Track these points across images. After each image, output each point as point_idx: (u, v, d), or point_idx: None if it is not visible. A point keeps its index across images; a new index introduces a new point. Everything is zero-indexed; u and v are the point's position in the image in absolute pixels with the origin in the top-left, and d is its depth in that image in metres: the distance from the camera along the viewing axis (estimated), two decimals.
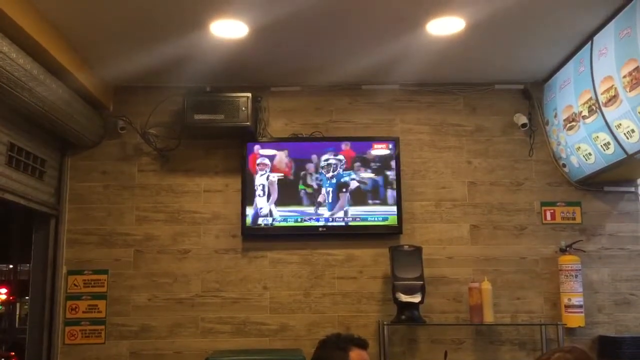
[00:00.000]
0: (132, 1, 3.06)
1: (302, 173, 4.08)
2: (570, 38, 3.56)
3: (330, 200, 4.05)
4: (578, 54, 3.63)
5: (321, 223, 4.03)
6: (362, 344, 2.36)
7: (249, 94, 3.96)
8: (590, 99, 3.47)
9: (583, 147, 3.74)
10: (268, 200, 4.05)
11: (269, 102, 4.26)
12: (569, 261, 3.97)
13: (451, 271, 4.09)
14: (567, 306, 3.93)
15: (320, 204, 4.05)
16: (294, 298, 4.06)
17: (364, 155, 4.11)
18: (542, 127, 4.26)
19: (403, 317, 3.74)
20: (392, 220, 4.04)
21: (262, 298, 4.06)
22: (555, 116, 4.03)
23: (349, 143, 4.13)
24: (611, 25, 3.20)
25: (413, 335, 4.02)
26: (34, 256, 4.08)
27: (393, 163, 4.10)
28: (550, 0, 3.11)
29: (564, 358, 1.72)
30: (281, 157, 4.11)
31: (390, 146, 4.13)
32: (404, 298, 3.71)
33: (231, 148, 4.18)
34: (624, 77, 3.06)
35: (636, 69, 2.95)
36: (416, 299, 3.71)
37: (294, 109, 4.28)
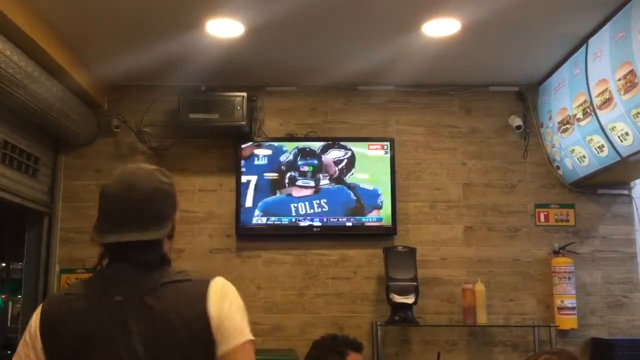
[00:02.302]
0: (127, 0, 3.06)
1: (299, 173, 4.09)
2: (565, 41, 3.58)
3: (325, 200, 4.06)
4: (573, 56, 3.65)
5: (315, 223, 4.03)
6: (357, 348, 2.37)
7: (244, 94, 3.95)
8: (585, 101, 3.48)
9: (577, 150, 3.75)
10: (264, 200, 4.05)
11: (264, 102, 4.26)
12: (562, 263, 3.97)
13: (445, 272, 4.09)
14: (560, 308, 3.94)
15: (314, 204, 4.05)
16: (288, 298, 4.06)
17: (359, 156, 4.11)
18: (536, 129, 4.27)
19: (397, 318, 3.74)
20: (387, 221, 4.04)
21: (256, 298, 4.05)
22: (550, 118, 4.04)
23: (344, 143, 4.13)
24: (606, 28, 3.21)
25: (406, 336, 4.02)
26: (26, 255, 4.07)
27: (388, 164, 4.11)
28: (545, 3, 3.12)
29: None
30: (276, 157, 4.11)
31: (386, 147, 4.13)
32: (398, 299, 3.71)
33: (226, 147, 4.17)
34: (619, 80, 3.07)
35: (631, 72, 2.96)
36: (410, 299, 3.71)
37: (289, 109, 4.28)
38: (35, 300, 3.99)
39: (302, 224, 4.03)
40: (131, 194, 1.50)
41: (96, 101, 4.10)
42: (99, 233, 1.47)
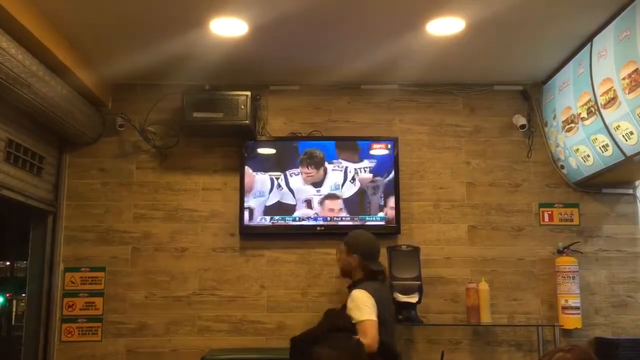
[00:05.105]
0: None
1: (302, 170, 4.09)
2: (570, 40, 3.57)
3: (328, 201, 4.06)
4: (577, 55, 3.64)
5: (319, 222, 4.03)
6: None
7: (248, 93, 3.95)
8: (589, 100, 3.47)
9: (582, 149, 3.74)
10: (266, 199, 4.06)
11: (268, 100, 4.26)
12: (566, 263, 3.97)
13: (449, 271, 4.09)
14: (564, 307, 3.93)
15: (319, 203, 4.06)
16: (291, 297, 4.06)
17: (363, 155, 4.11)
18: (540, 128, 4.27)
19: (400, 317, 3.74)
20: (390, 220, 4.04)
21: (260, 297, 4.06)
22: (554, 118, 4.03)
23: (347, 142, 4.13)
24: (611, 27, 3.20)
25: (410, 335, 4.02)
26: (31, 253, 4.08)
27: (392, 163, 4.10)
28: (550, 2, 3.11)
29: (563, 358, 1.70)
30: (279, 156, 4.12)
31: (389, 146, 4.13)
32: (402, 298, 3.71)
33: (230, 146, 4.18)
34: (623, 79, 3.07)
35: (635, 71, 2.96)
36: (413, 299, 3.71)
37: (293, 108, 4.28)
38: (39, 298, 4.00)
39: (305, 223, 4.03)
40: (376, 247, 3.36)
41: (100, 100, 4.11)
42: (373, 263, 3.31)
